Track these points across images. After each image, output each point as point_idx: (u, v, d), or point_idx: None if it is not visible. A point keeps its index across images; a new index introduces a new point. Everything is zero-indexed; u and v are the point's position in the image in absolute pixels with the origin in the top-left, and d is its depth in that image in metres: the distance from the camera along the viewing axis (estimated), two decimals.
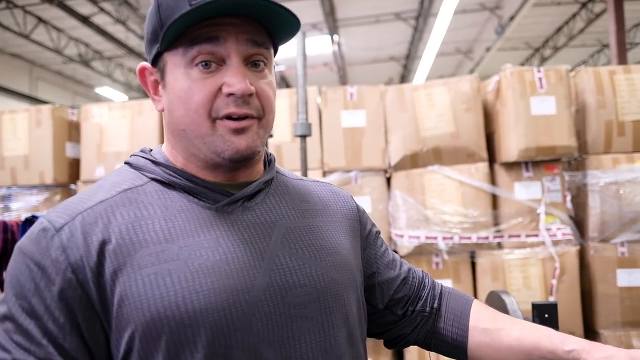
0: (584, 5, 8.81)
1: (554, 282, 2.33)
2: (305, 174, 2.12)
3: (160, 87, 0.74)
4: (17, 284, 0.62)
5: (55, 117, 2.89)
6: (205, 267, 0.64)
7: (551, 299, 2.31)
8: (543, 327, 0.83)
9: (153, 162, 0.74)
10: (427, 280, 0.93)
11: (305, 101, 2.11)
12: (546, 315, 1.17)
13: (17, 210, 2.89)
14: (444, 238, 2.41)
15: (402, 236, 2.47)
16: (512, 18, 8.17)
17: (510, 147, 2.37)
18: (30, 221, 1.80)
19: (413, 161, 2.54)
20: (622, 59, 6.83)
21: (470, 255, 2.48)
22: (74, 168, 2.95)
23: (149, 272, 0.63)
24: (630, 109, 2.42)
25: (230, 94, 0.67)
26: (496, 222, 2.45)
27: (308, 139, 2.16)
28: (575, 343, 0.76)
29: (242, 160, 0.71)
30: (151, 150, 0.79)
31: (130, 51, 9.72)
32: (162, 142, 2.83)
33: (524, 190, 2.43)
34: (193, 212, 0.69)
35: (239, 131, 0.69)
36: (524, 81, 2.37)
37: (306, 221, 0.77)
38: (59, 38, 9.39)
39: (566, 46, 10.17)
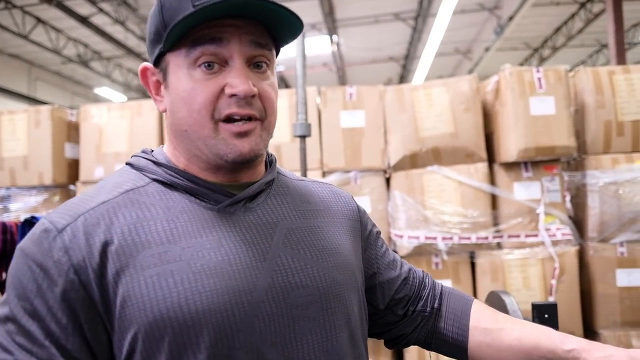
0: (582, 5, 8.81)
1: (554, 282, 2.33)
2: (304, 174, 2.12)
3: (162, 87, 0.74)
4: (19, 285, 0.62)
5: (54, 117, 2.88)
6: (207, 268, 0.64)
7: (551, 299, 2.31)
8: (543, 327, 0.84)
9: (155, 162, 0.74)
10: (427, 280, 0.93)
11: (304, 101, 2.11)
12: (546, 316, 1.17)
13: (16, 211, 2.89)
14: (444, 238, 2.41)
15: (401, 236, 2.47)
16: (511, 18, 8.18)
17: (510, 147, 2.38)
18: (29, 222, 1.80)
19: (412, 161, 2.54)
20: (621, 59, 6.84)
21: (470, 256, 2.48)
22: (73, 169, 2.95)
23: (151, 273, 0.63)
24: (629, 109, 2.42)
25: (232, 95, 0.67)
26: (495, 222, 2.45)
27: (307, 139, 2.16)
28: (574, 342, 0.76)
29: (245, 163, 0.71)
30: (152, 151, 0.79)
31: (129, 51, 9.71)
32: (161, 142, 2.82)
33: (523, 191, 2.43)
34: (195, 213, 0.69)
35: (242, 134, 0.69)
36: (523, 81, 2.37)
37: (307, 222, 0.77)
38: (58, 38, 9.38)
39: (565, 46, 10.18)
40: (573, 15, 9.25)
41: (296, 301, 0.67)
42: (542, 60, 11.09)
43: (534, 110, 2.34)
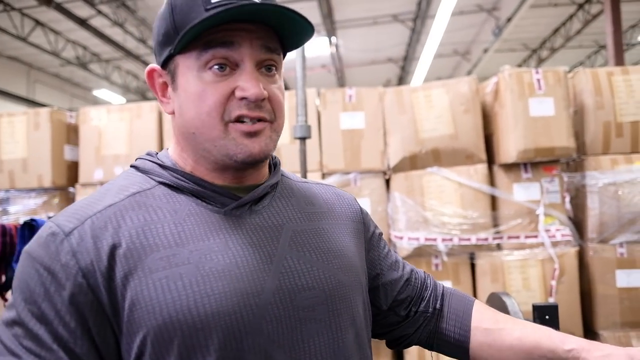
0: (580, 6, 8.83)
1: (554, 283, 2.33)
2: (304, 176, 2.12)
3: (169, 89, 0.74)
4: (26, 288, 0.62)
5: (54, 120, 2.88)
6: (215, 271, 0.64)
7: (550, 300, 2.31)
8: (543, 327, 0.84)
9: (160, 165, 0.74)
10: (429, 281, 0.94)
11: (304, 103, 2.11)
12: (547, 317, 1.16)
13: (16, 213, 2.88)
14: (444, 239, 2.41)
15: (401, 238, 2.47)
16: (509, 19, 8.19)
17: (509, 148, 2.38)
18: (29, 225, 1.80)
19: (412, 163, 2.54)
20: (619, 60, 6.85)
21: (470, 257, 2.48)
22: (72, 171, 2.95)
23: (160, 276, 0.63)
24: (628, 110, 2.42)
25: (243, 98, 0.68)
26: (495, 223, 2.46)
27: (307, 141, 2.16)
28: (574, 342, 0.77)
29: (254, 163, 0.71)
30: (157, 153, 0.79)
31: (128, 53, 9.70)
32: (160, 144, 2.81)
33: (522, 192, 2.44)
34: (202, 216, 0.69)
35: (252, 134, 0.69)
36: (523, 82, 2.37)
37: (312, 224, 0.77)
38: (57, 41, 9.38)
39: (563, 47, 10.20)
40: (571, 17, 9.27)
41: (303, 303, 0.68)
42: (540, 62, 11.11)
43: (533, 111, 2.34)
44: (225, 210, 0.71)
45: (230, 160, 0.70)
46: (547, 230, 2.38)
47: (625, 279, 2.33)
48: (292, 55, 2.14)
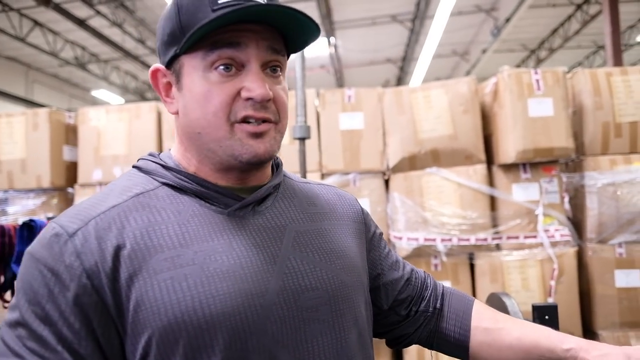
0: (579, 7, 8.85)
1: (553, 283, 2.33)
2: (304, 176, 2.12)
3: (174, 89, 0.74)
4: (29, 289, 0.62)
5: (52, 120, 2.88)
6: (220, 272, 0.64)
7: (550, 300, 2.31)
8: (542, 327, 0.86)
9: (163, 166, 0.74)
10: (429, 281, 0.95)
11: (304, 104, 2.11)
12: (546, 317, 1.17)
13: (14, 214, 2.88)
14: (443, 240, 2.42)
15: (400, 238, 2.47)
16: (507, 20, 8.21)
17: (508, 148, 2.38)
18: (28, 225, 1.79)
19: (411, 163, 2.54)
20: (618, 61, 6.87)
21: (469, 257, 2.48)
22: (71, 171, 2.94)
23: (165, 277, 0.63)
24: (627, 110, 2.43)
25: (249, 99, 0.68)
26: (494, 223, 2.46)
27: (306, 141, 2.16)
28: (573, 342, 0.78)
29: (259, 164, 0.71)
30: (159, 154, 0.79)
31: (127, 54, 9.70)
32: (160, 145, 2.80)
33: (521, 192, 2.44)
34: (205, 217, 0.69)
35: (257, 135, 0.69)
36: (522, 83, 2.38)
37: (315, 224, 0.77)
38: (55, 41, 9.37)
39: (562, 48, 10.22)
40: (569, 17, 9.29)
41: (306, 303, 0.68)
42: (539, 62, 11.13)
43: (532, 111, 2.35)
44: (228, 211, 0.71)
45: (235, 161, 0.70)
46: (546, 231, 2.38)
47: (624, 279, 2.33)
48: (291, 56, 2.14)
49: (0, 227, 1.87)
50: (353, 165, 2.60)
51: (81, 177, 2.87)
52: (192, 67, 0.69)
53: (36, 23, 8.67)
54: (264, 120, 0.69)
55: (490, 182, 2.51)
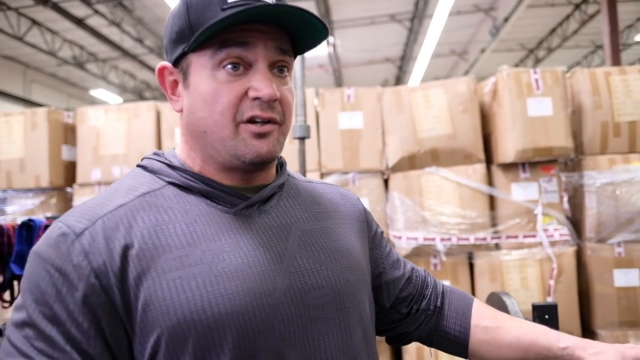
0: (577, 6, 8.86)
1: (552, 282, 2.33)
2: (304, 176, 2.11)
3: (180, 87, 0.74)
4: (36, 289, 0.62)
5: (51, 119, 2.87)
6: (228, 271, 0.65)
7: (549, 300, 2.31)
8: (540, 326, 0.87)
9: (169, 165, 0.74)
10: (429, 280, 0.96)
11: (303, 103, 2.11)
12: (546, 316, 1.17)
13: (13, 213, 2.87)
14: (442, 239, 2.42)
15: (400, 237, 2.48)
16: (506, 19, 8.22)
17: (507, 148, 2.38)
18: (27, 225, 1.79)
19: (410, 163, 2.54)
20: (616, 60, 6.88)
21: (468, 256, 2.48)
22: (70, 171, 2.94)
23: (173, 276, 0.63)
24: (626, 110, 2.43)
25: (256, 98, 0.68)
26: (494, 223, 2.46)
27: (305, 141, 2.16)
28: (569, 340, 0.81)
29: (262, 164, 0.71)
30: (163, 153, 0.79)
31: (125, 53, 9.68)
32: (159, 144, 2.79)
33: (521, 191, 2.44)
34: (212, 216, 0.69)
35: (261, 135, 0.69)
36: (521, 82, 2.38)
37: (319, 223, 0.78)
38: (53, 40, 9.35)
39: (560, 47, 10.23)
40: (568, 17, 9.30)
41: (313, 302, 0.69)
42: (537, 61, 11.14)
43: (531, 111, 2.35)
44: (235, 210, 0.71)
45: (238, 161, 0.70)
46: (545, 230, 2.39)
47: (623, 278, 2.34)
48: None
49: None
50: (352, 164, 2.60)
51: (80, 176, 2.86)
52: (200, 65, 0.69)
53: (34, 22, 8.65)
54: (269, 121, 0.70)
55: (490, 181, 2.51)
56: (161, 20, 8.85)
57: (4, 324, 1.56)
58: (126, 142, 2.82)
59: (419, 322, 0.91)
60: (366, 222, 0.90)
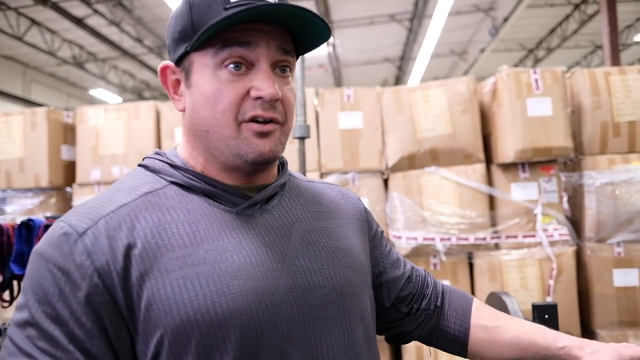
0: (577, 6, 8.87)
1: (551, 282, 2.34)
2: (303, 175, 2.11)
3: (182, 86, 0.74)
4: (39, 289, 0.61)
5: (51, 119, 2.87)
6: (231, 270, 0.65)
7: (548, 300, 2.31)
8: (539, 326, 0.88)
9: (171, 165, 0.74)
10: (429, 279, 0.96)
11: (303, 103, 2.11)
12: (546, 316, 1.17)
13: (12, 213, 2.87)
14: (442, 239, 2.42)
15: (399, 237, 2.48)
16: (505, 19, 8.22)
17: (507, 148, 2.38)
18: (26, 225, 1.78)
19: (410, 162, 2.54)
20: (616, 60, 6.88)
21: (468, 256, 2.49)
22: (69, 171, 2.94)
23: (177, 275, 0.63)
24: (626, 110, 2.43)
25: (258, 98, 0.68)
26: (493, 223, 2.46)
27: (305, 141, 2.16)
28: (567, 340, 0.82)
29: (264, 164, 0.71)
30: (165, 153, 0.79)
31: (125, 53, 9.67)
32: (158, 144, 2.79)
33: (520, 191, 2.44)
34: (214, 216, 0.69)
35: (263, 134, 0.69)
36: (520, 82, 2.38)
37: (321, 223, 0.78)
38: (53, 40, 9.34)
39: (560, 47, 10.23)
40: (567, 17, 9.30)
41: (315, 301, 0.69)
42: (537, 62, 11.15)
43: (531, 111, 2.35)
44: (237, 210, 0.71)
45: (240, 160, 0.70)
46: (545, 230, 2.39)
47: (623, 278, 2.34)
48: None
49: None
50: (352, 164, 2.60)
51: (79, 176, 2.86)
52: (203, 64, 0.69)
53: (34, 22, 8.64)
54: (271, 121, 0.70)
55: (489, 181, 2.51)
56: (160, 20, 8.85)
57: (3, 323, 1.56)
58: (126, 142, 2.82)
59: (419, 322, 0.91)
60: (367, 221, 0.90)
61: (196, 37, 0.67)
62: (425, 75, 10.96)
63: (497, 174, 2.50)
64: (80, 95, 13.05)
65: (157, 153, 0.78)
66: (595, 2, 8.21)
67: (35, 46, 9.05)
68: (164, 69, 0.75)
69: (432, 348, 0.95)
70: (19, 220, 1.84)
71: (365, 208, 0.93)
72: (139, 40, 9.33)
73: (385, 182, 2.62)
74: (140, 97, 13.35)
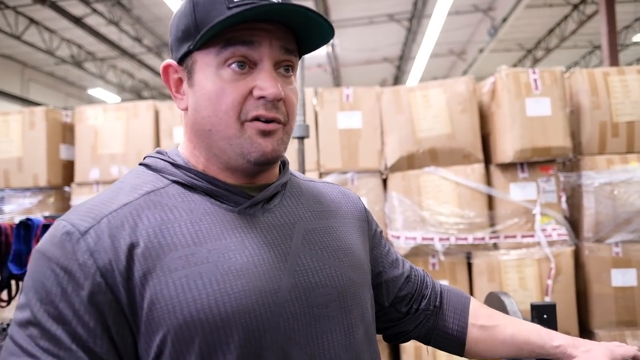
0: (575, 7, 8.88)
1: (550, 282, 2.34)
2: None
3: (185, 85, 0.74)
4: (41, 288, 0.61)
5: (49, 119, 2.86)
6: (234, 270, 0.65)
7: (547, 299, 2.32)
8: (534, 325, 0.91)
9: (172, 164, 0.74)
10: (428, 279, 0.97)
11: (302, 103, 2.11)
12: (545, 316, 1.17)
13: (10, 212, 2.87)
14: (441, 239, 2.42)
15: (398, 237, 2.48)
16: (504, 19, 8.22)
17: (506, 148, 2.39)
18: (24, 224, 1.78)
19: (409, 162, 2.54)
20: (614, 61, 6.89)
21: (467, 256, 2.49)
22: (68, 170, 2.93)
23: (179, 275, 0.63)
24: (624, 110, 2.44)
25: (261, 97, 0.68)
26: (492, 222, 2.46)
27: (304, 140, 2.16)
28: (562, 339, 0.85)
29: (266, 164, 0.71)
30: (166, 152, 0.78)
31: (123, 52, 9.66)
32: (157, 144, 2.78)
33: (519, 191, 2.45)
34: (217, 215, 0.69)
35: (266, 133, 0.69)
36: (519, 82, 2.38)
37: (322, 222, 0.78)
38: (51, 39, 9.33)
39: (558, 47, 10.24)
40: (566, 17, 9.31)
41: (317, 300, 0.69)
42: (535, 62, 11.16)
43: (530, 111, 2.35)
44: (239, 209, 0.71)
45: (243, 160, 0.70)
46: (544, 230, 2.39)
47: (621, 278, 2.34)
48: None
49: None
50: (351, 164, 2.60)
51: (78, 176, 2.86)
52: (205, 63, 0.69)
53: (32, 21, 8.63)
54: (273, 120, 0.70)
55: (488, 181, 2.52)
56: (159, 19, 8.83)
57: (1, 323, 1.56)
58: (124, 142, 2.82)
59: (418, 321, 0.92)
60: (367, 221, 0.90)
61: (199, 35, 0.67)
62: (424, 75, 10.97)
63: (496, 174, 2.51)
64: (78, 94, 13.03)
65: (158, 152, 0.77)
66: (593, 2, 8.22)
67: (33, 45, 9.03)
68: (167, 67, 0.75)
69: (429, 347, 0.96)
70: (17, 220, 1.84)
71: (365, 208, 0.93)
72: (137, 39, 9.31)
73: (384, 182, 2.63)
74: (139, 97, 13.33)
